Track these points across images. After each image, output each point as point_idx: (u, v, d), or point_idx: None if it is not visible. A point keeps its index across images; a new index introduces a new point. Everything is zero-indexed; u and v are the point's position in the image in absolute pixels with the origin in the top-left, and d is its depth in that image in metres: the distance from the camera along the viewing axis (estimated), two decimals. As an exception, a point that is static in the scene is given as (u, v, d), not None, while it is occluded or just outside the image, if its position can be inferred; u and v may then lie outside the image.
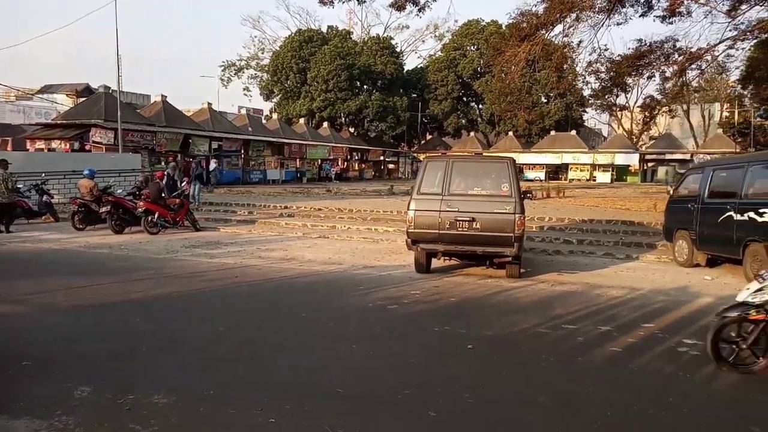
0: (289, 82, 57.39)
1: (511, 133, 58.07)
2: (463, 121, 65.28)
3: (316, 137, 47.67)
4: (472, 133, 63.93)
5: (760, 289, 4.94)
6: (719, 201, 9.70)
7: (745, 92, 41.58)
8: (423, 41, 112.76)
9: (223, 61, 66.57)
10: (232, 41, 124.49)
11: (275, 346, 5.59)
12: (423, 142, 67.00)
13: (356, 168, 52.77)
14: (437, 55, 64.96)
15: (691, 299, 7.84)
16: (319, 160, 45.63)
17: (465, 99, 65.47)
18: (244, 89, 66.49)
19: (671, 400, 4.31)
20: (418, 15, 28.87)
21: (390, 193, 26.15)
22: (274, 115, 53.23)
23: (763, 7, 20.35)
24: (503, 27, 31.17)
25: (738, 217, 9.07)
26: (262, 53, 66.26)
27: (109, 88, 30.26)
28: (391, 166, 61.22)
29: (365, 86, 59.70)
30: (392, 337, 5.96)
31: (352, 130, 59.76)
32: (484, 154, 48.66)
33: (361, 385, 4.58)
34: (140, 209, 14.00)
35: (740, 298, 5.03)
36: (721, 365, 4.90)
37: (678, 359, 5.28)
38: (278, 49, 59.89)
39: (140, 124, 29.14)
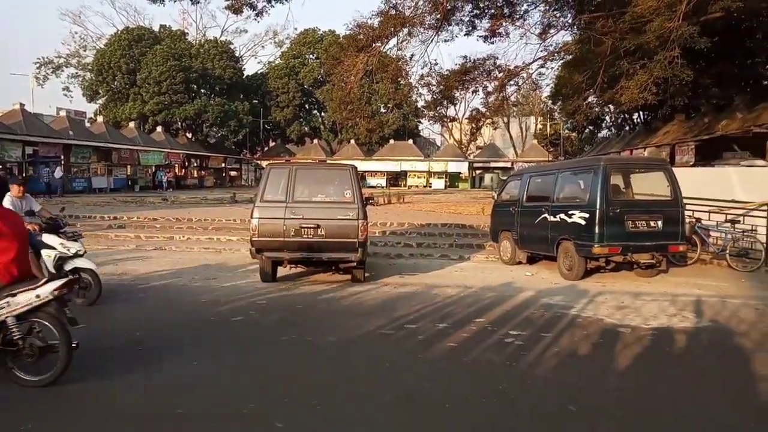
0: (116, 82, 53.24)
1: (353, 141, 59.51)
2: (306, 128, 65.56)
3: (149, 142, 44.68)
4: (315, 141, 64.42)
5: None
6: (536, 204, 10.84)
7: (555, 107, 46.92)
8: (263, 47, 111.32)
9: (39, 58, 59.95)
10: (49, 36, 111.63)
11: (99, 370, 5.11)
12: (266, 149, 66.08)
13: (195, 175, 50.37)
14: (277, 62, 64.54)
15: (515, 294, 8.65)
16: (154, 167, 42.77)
17: (307, 107, 65.84)
18: (63, 89, 60.18)
19: (501, 388, 4.73)
20: (256, 20, 28.40)
21: (232, 201, 25.38)
22: (100, 118, 48.88)
23: (567, 31, 23.22)
24: (340, 38, 31.91)
25: (551, 218, 10.20)
26: (85, 51, 60.86)
27: None
28: (233, 173, 59.44)
29: (203, 90, 57.34)
30: (236, 351, 5.79)
31: (190, 135, 57.00)
32: (327, 161, 49.40)
33: (201, 404, 4.39)
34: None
35: None
36: None
37: (505, 349, 5.79)
38: (103, 47, 55.30)
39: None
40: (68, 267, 7.33)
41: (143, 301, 8.08)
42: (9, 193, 6.89)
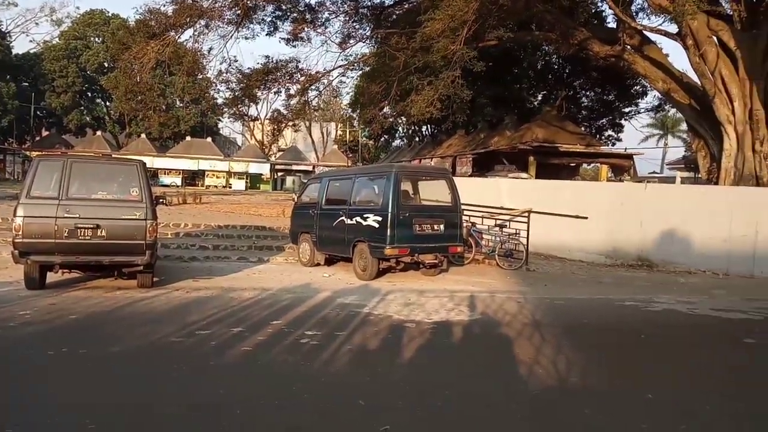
0: None
1: (143, 135, 55.18)
2: (88, 118, 59.10)
3: None
4: (99, 133, 58.24)
5: None
6: (334, 207, 11.16)
7: (354, 115, 48.94)
8: (37, 24, 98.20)
9: None
10: None
11: None
12: (38, 138, 57.99)
13: (-60, 166, 42.26)
14: (55, 42, 57.23)
15: (313, 295, 8.79)
16: None
17: (90, 94, 59.42)
18: None
19: (294, 388, 4.75)
20: (28, -9, 24.96)
21: (-9, 197, 21.84)
22: None
23: (366, 43, 24.40)
24: (129, 22, 29.41)
25: (348, 221, 10.59)
26: None
27: None
28: (-7, 165, 51.15)
29: (-45, 66, 48.44)
30: (-9, 370, 4.98)
31: (-66, 118, 47.72)
32: (113, 155, 45.07)
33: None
34: None
35: None
36: None
37: (300, 350, 5.84)
38: None
39: None
40: None
41: None
42: None
